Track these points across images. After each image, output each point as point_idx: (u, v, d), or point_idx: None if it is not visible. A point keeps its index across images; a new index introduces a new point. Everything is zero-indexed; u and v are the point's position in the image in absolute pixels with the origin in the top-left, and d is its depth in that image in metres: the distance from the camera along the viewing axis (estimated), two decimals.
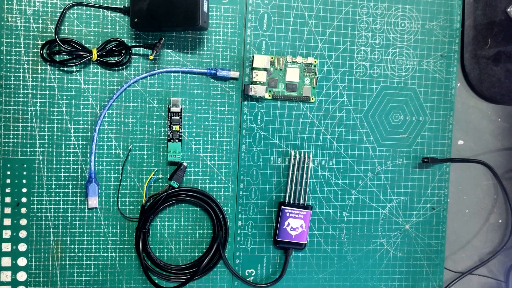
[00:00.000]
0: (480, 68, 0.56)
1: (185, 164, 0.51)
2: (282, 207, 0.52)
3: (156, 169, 0.51)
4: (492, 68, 0.56)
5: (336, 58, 0.53)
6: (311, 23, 0.52)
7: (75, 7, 0.48)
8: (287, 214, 0.52)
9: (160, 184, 0.51)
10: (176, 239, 0.52)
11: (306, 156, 0.53)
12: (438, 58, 0.55)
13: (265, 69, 0.51)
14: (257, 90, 0.50)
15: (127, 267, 0.51)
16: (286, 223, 0.52)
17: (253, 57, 0.51)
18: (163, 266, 0.50)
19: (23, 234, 0.49)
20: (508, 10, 0.54)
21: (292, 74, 0.52)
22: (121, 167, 0.50)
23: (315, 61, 0.52)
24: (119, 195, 0.50)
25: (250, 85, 0.51)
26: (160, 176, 0.51)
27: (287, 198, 0.52)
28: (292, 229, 0.52)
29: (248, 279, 0.53)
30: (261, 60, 0.50)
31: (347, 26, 0.53)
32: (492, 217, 0.58)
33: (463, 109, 0.57)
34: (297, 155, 0.53)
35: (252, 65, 0.51)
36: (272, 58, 0.51)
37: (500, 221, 0.58)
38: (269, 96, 0.52)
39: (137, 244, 0.50)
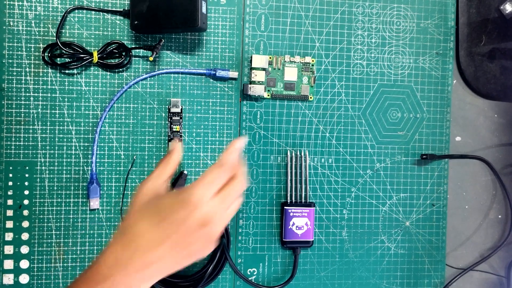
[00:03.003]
0: (475, 65, 0.57)
1: (185, 172, 0.51)
2: (284, 207, 0.52)
3: None
4: (487, 65, 0.57)
5: (333, 57, 0.54)
6: (308, 23, 0.53)
7: (76, 11, 0.49)
8: (291, 214, 0.52)
9: None
10: None
11: (303, 154, 0.53)
12: (433, 55, 0.56)
13: (264, 69, 0.52)
14: (256, 90, 0.51)
15: None
16: (291, 222, 0.52)
17: (251, 57, 0.52)
18: (163, 278, 0.50)
19: (25, 236, 0.49)
20: (501, 7, 0.55)
21: (290, 73, 0.52)
22: (125, 176, 0.50)
23: (312, 60, 0.53)
24: (122, 201, 0.51)
25: (249, 85, 0.51)
26: None
27: (288, 198, 0.53)
28: (297, 228, 0.52)
29: (250, 278, 0.53)
30: (259, 60, 0.51)
31: (344, 25, 0.54)
32: (491, 212, 0.59)
33: (460, 106, 0.58)
34: (294, 154, 0.53)
35: (251, 65, 0.52)
36: (270, 58, 0.52)
37: (499, 216, 0.59)
38: (268, 95, 0.52)
39: None
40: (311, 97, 0.53)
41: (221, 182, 0.37)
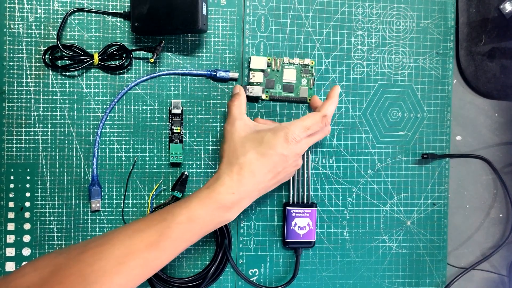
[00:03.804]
0: (475, 65, 0.57)
1: (186, 173, 0.51)
2: (287, 207, 0.52)
3: (161, 180, 0.51)
4: (487, 64, 0.57)
5: (333, 58, 0.54)
6: (307, 23, 0.53)
7: (76, 13, 0.49)
8: (293, 214, 0.52)
9: (163, 193, 0.51)
10: None
11: (305, 154, 0.53)
12: (433, 55, 0.56)
13: (262, 70, 0.52)
14: (254, 91, 0.51)
15: None
16: (293, 223, 0.52)
17: (250, 58, 0.52)
18: (166, 279, 0.50)
19: (27, 238, 0.49)
20: (501, 7, 0.55)
21: (289, 75, 0.52)
22: (126, 178, 0.50)
23: (312, 62, 0.53)
24: (124, 202, 0.51)
25: (247, 86, 0.51)
26: (163, 187, 0.51)
27: (290, 198, 0.53)
28: (299, 228, 0.52)
29: (251, 279, 0.53)
30: (258, 61, 0.51)
31: (344, 26, 0.54)
32: (492, 211, 0.59)
33: (460, 105, 0.58)
34: None
35: (249, 66, 0.52)
36: (269, 59, 0.52)
37: (500, 215, 0.59)
38: (266, 97, 0.52)
39: None
40: (309, 100, 0.53)
41: (316, 129, 0.45)
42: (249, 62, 0.52)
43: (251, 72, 0.51)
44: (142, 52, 0.50)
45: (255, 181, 0.43)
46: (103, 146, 0.50)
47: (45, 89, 0.49)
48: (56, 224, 0.50)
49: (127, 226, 0.42)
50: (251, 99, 0.53)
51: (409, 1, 0.55)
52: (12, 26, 0.48)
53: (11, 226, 0.49)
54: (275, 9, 0.53)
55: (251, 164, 0.43)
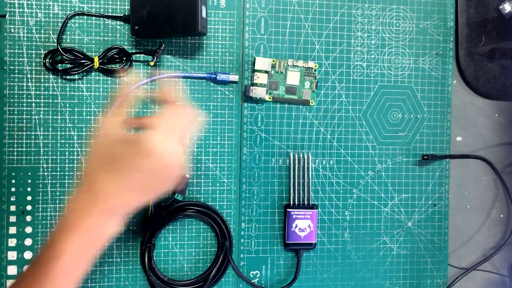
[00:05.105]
0: (475, 65, 0.57)
1: (187, 176, 0.51)
2: (287, 209, 0.52)
3: None
4: (487, 65, 0.57)
5: (333, 59, 0.54)
6: (307, 25, 0.53)
7: (76, 17, 0.49)
8: (294, 216, 0.52)
9: (164, 196, 0.51)
10: (180, 251, 0.52)
11: (306, 156, 0.53)
12: (433, 56, 0.56)
13: (266, 72, 0.52)
14: (258, 92, 0.51)
15: (131, 272, 0.51)
16: (294, 225, 0.52)
17: (255, 59, 0.52)
18: (167, 281, 0.51)
19: (28, 242, 0.49)
20: (500, 7, 0.55)
21: (293, 78, 0.52)
22: None
23: (315, 66, 0.53)
24: None
25: (251, 87, 0.51)
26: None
27: (291, 200, 0.53)
28: (300, 230, 0.52)
29: (253, 281, 0.53)
30: (262, 63, 0.51)
31: (343, 27, 0.54)
32: (493, 212, 0.59)
33: (460, 106, 0.58)
34: (296, 157, 0.53)
35: (254, 67, 0.52)
36: (273, 61, 0.52)
37: (501, 215, 0.59)
38: (269, 98, 0.53)
39: (142, 259, 0.50)
40: (312, 102, 0.53)
41: (176, 127, 0.38)
42: (253, 63, 0.52)
43: (255, 73, 0.51)
44: (142, 55, 0.50)
45: (114, 200, 0.37)
46: None
47: (46, 92, 0.49)
48: None
49: None
50: (254, 100, 0.53)
51: (408, 2, 0.55)
52: (12, 30, 0.48)
53: (12, 230, 0.49)
54: (275, 11, 0.53)
55: (105, 185, 0.37)
